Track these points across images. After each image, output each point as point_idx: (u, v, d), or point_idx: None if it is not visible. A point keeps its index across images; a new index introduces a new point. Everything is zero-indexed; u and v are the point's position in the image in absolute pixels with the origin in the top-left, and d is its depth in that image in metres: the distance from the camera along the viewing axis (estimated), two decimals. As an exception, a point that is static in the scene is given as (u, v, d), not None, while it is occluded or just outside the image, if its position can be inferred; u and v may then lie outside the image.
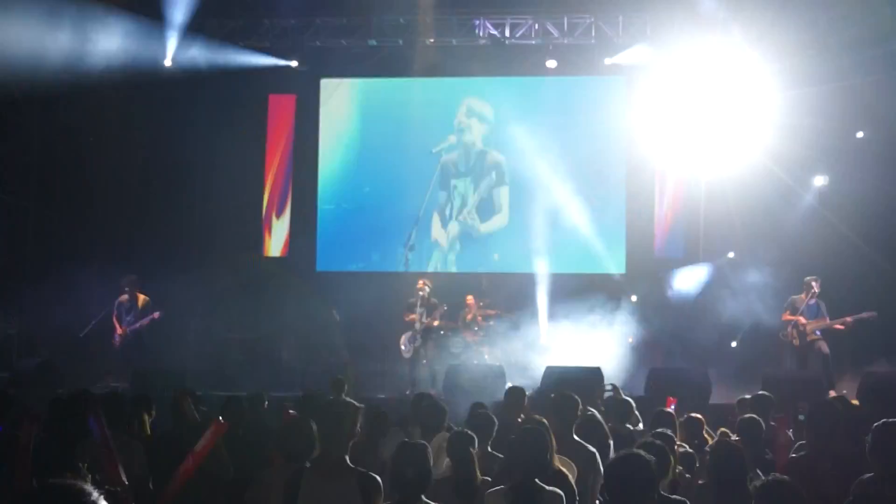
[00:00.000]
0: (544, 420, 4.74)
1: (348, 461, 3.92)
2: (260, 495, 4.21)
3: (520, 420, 6.07)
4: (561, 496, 3.97)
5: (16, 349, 13.29)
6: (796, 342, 11.07)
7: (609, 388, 6.92)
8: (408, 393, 11.06)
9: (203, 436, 4.62)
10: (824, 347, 10.94)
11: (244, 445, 5.53)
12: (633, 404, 6.90)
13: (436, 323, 11.72)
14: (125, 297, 12.31)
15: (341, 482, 3.81)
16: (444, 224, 14.80)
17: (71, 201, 14.91)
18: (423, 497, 3.75)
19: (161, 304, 12.46)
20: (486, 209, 14.87)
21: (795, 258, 12.83)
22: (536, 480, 3.97)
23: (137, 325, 12.19)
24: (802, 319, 11.05)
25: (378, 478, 3.85)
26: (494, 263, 14.56)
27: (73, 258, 14.84)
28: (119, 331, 12.19)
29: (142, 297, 12.25)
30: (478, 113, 14.92)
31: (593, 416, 5.86)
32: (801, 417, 6.11)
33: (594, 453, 5.14)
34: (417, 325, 11.65)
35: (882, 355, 11.50)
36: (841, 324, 11.16)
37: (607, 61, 14.13)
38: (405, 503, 3.71)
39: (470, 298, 13.57)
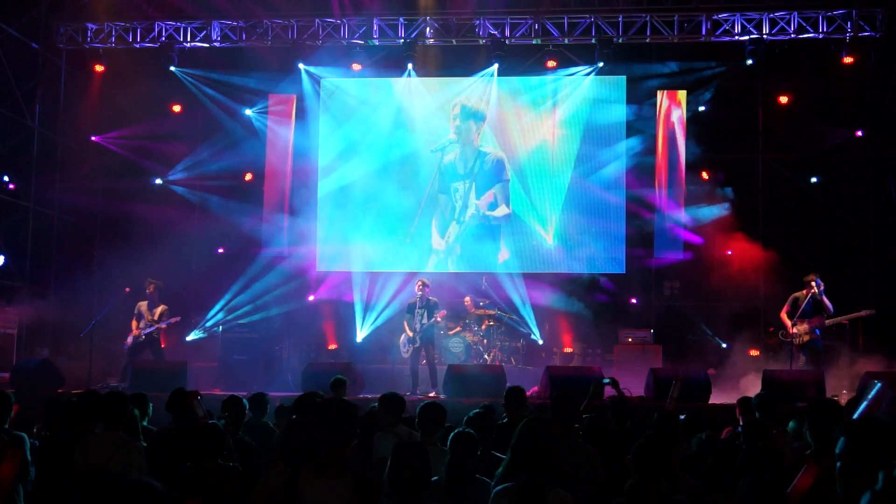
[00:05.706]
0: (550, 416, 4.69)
1: (346, 462, 3.90)
2: (262, 498, 4.19)
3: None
4: (569, 497, 3.93)
5: (16, 349, 13.27)
6: (796, 341, 11.07)
7: (607, 381, 6.84)
8: (407, 393, 11.05)
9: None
10: (818, 346, 10.99)
11: (244, 446, 5.52)
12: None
13: (439, 318, 11.74)
14: (145, 302, 12.24)
15: (339, 483, 3.79)
16: (445, 225, 14.76)
17: (70, 201, 14.91)
18: (422, 498, 3.73)
19: (159, 303, 12.40)
20: (488, 205, 14.82)
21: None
22: (544, 479, 3.93)
23: (153, 328, 12.10)
24: (797, 325, 11.03)
25: (376, 479, 3.83)
26: (493, 264, 14.52)
27: (73, 258, 14.87)
28: (134, 332, 12.12)
29: (161, 307, 12.22)
30: (475, 113, 14.88)
31: (598, 417, 5.83)
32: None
33: (596, 454, 5.13)
34: (412, 333, 11.65)
35: (882, 355, 11.50)
36: (838, 321, 11.16)
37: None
38: None
39: (468, 300, 13.56)
